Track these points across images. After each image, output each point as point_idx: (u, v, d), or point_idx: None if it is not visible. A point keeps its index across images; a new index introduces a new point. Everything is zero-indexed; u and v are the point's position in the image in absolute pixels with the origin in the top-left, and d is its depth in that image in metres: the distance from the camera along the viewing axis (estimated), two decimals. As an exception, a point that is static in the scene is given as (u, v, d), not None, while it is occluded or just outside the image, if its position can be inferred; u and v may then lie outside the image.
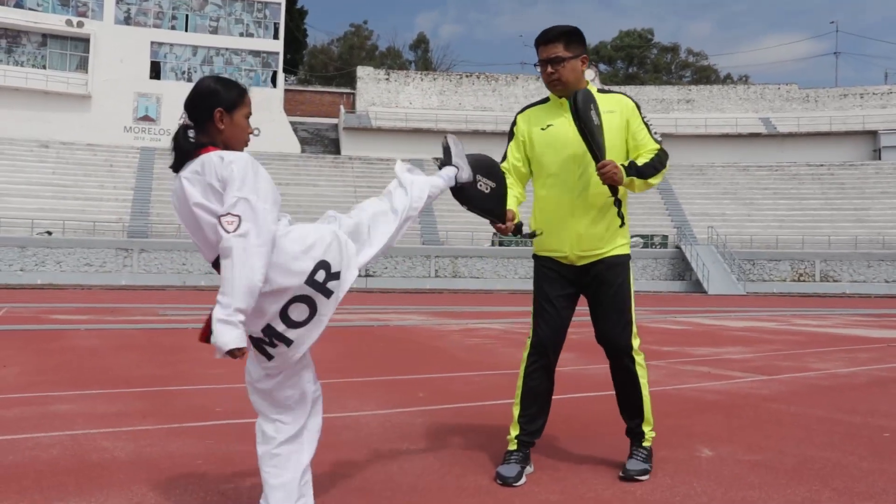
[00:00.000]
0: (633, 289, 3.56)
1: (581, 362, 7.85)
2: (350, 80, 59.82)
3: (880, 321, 15.84)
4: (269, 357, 2.54)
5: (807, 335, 11.86)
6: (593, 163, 3.32)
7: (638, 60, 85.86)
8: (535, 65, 3.53)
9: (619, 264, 3.49)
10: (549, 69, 3.41)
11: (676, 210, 44.24)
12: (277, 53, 50.11)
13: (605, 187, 3.35)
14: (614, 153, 3.38)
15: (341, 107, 52.97)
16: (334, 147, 51.29)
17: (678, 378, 6.74)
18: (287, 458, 2.62)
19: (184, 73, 49.12)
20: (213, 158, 2.41)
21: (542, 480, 3.37)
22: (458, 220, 42.59)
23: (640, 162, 3.39)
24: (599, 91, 3.51)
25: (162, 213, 39.65)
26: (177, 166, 2.50)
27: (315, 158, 47.75)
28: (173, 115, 47.43)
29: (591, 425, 4.62)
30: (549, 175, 3.52)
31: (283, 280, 2.43)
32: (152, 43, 48.30)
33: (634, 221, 42.55)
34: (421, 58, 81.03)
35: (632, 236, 40.55)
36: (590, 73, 50.10)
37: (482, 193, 3.29)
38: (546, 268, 3.58)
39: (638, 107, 3.52)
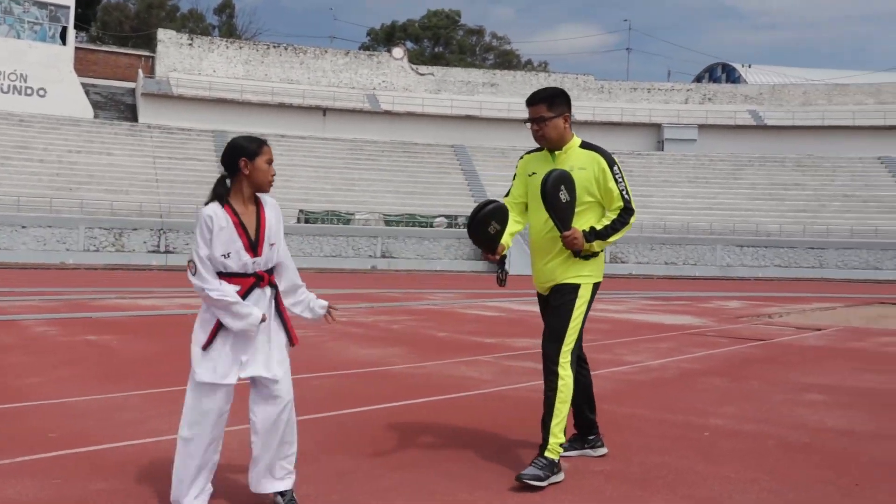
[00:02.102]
0: (579, 314, 3.92)
1: (412, 359, 7.97)
2: (148, 42, 56.20)
3: (667, 306, 17.36)
4: None
5: (610, 322, 12.76)
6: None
7: (444, 41, 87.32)
8: (524, 122, 4.09)
9: (567, 290, 3.94)
10: (535, 127, 3.95)
11: (479, 191, 45.74)
12: (68, 7, 46.00)
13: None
14: (581, 204, 3.89)
15: (140, 71, 49.65)
16: (131, 113, 48.08)
17: (509, 376, 7.00)
18: None
19: (-48, 21, 43.89)
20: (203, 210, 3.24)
21: (421, 507, 3.40)
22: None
23: (599, 226, 3.89)
24: (581, 146, 3.96)
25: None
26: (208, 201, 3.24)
27: (110, 125, 44.49)
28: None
29: (453, 437, 4.71)
30: (531, 217, 4.12)
31: None
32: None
33: (436, 202, 43.59)
34: (225, 23, 77.54)
35: (436, 216, 41.79)
36: (398, 52, 50.32)
37: (489, 234, 3.87)
38: (538, 299, 4.22)
39: (611, 164, 3.94)
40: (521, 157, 4.23)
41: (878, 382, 7.17)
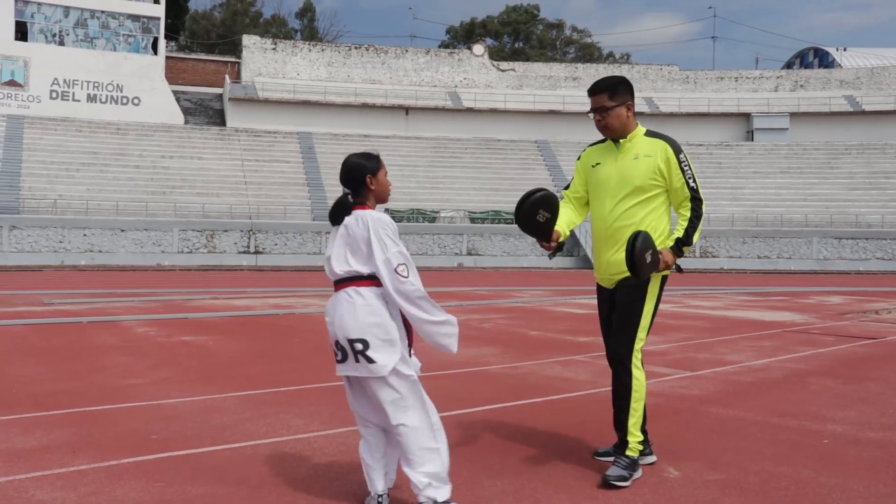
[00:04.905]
0: (649, 310, 3.88)
1: (507, 359, 7.82)
2: (234, 49, 57.72)
3: (765, 302, 16.67)
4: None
5: (706, 320, 12.30)
6: (624, 201, 3.90)
7: (524, 36, 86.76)
8: (587, 113, 4.08)
9: (636, 287, 3.85)
10: (597, 117, 3.92)
11: (564, 186, 45.15)
12: (158, 18, 47.64)
13: (630, 222, 3.87)
14: (640, 193, 3.87)
15: (226, 76, 51.01)
16: (219, 118, 49.44)
17: (606, 377, 6.64)
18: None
19: (55, 35, 46.02)
20: (366, 213, 3.35)
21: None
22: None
23: (680, 233, 3.85)
24: (646, 134, 3.93)
25: (34, 186, 37.21)
26: (338, 220, 3.40)
27: (199, 130, 45.86)
28: (44, 79, 44.45)
29: (553, 442, 4.54)
30: (593, 208, 4.07)
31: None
32: (17, 0, 44.89)
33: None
34: (307, 27, 79.00)
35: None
36: (479, 49, 50.07)
37: (538, 223, 3.79)
38: (598, 292, 4.15)
39: (677, 152, 3.87)
40: (585, 150, 4.23)
41: None
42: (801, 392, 6.22)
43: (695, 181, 3.86)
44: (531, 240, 40.29)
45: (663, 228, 3.91)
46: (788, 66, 68.04)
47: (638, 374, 3.83)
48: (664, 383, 6.50)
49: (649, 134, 3.94)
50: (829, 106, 52.65)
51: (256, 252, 36.78)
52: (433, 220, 40.23)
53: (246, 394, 5.78)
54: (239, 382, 6.22)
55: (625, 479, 3.67)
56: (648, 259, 3.66)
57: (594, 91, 3.92)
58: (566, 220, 4.03)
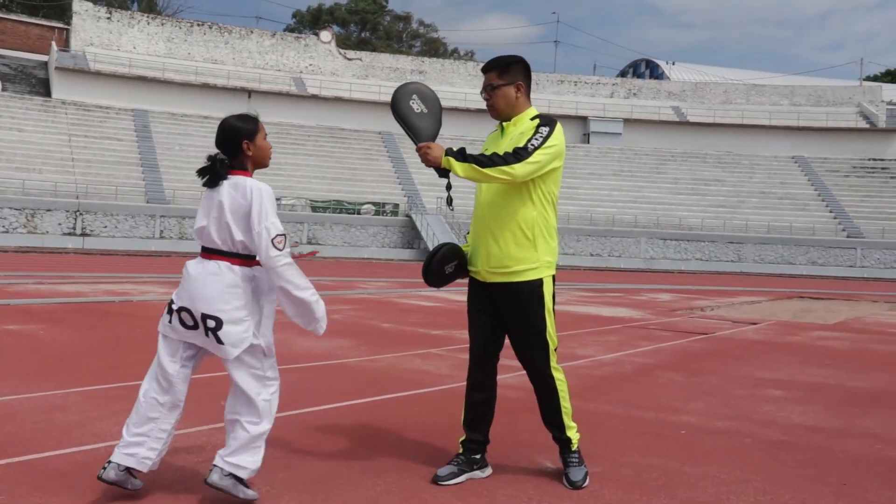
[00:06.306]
0: (550, 308, 3.64)
1: (363, 352, 7.68)
2: (63, 14, 53.70)
3: (601, 298, 17.47)
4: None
5: (552, 314, 12.68)
6: (497, 188, 3.56)
7: (371, 26, 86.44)
8: (480, 92, 3.75)
9: (531, 289, 3.56)
10: (485, 95, 3.66)
11: (407, 179, 45.45)
12: (-27, -26, 43.45)
13: (517, 208, 3.52)
14: None
15: (53, 43, 47.31)
16: (44, 88, 45.77)
17: (463, 372, 6.76)
18: None
19: None
20: (247, 182, 3.21)
21: None
22: (186, 179, 40.19)
23: (471, 151, 3.44)
24: (533, 118, 3.60)
25: None
26: (212, 183, 3.22)
27: (20, 99, 42.26)
28: None
29: (429, 437, 4.46)
30: (476, 194, 3.71)
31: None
32: None
33: (364, 188, 43.08)
34: (145, -2, 74.71)
35: (364, 203, 41.26)
36: (326, 35, 49.40)
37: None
38: (470, 285, 3.79)
39: (543, 125, 3.52)
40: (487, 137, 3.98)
41: (825, 377, 7.27)
42: (651, 385, 6.50)
43: (538, 148, 3.40)
44: (372, 230, 40.30)
45: (535, 218, 3.55)
46: (623, 74, 71.89)
47: (559, 376, 3.68)
48: (521, 377, 6.53)
49: (537, 117, 3.59)
50: (659, 115, 56.08)
51: (83, 234, 34.41)
52: (276, 207, 39.29)
53: (90, 389, 5.31)
54: (80, 376, 5.71)
55: (587, 474, 3.65)
56: (416, 108, 3.56)
57: (485, 68, 3.65)
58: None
